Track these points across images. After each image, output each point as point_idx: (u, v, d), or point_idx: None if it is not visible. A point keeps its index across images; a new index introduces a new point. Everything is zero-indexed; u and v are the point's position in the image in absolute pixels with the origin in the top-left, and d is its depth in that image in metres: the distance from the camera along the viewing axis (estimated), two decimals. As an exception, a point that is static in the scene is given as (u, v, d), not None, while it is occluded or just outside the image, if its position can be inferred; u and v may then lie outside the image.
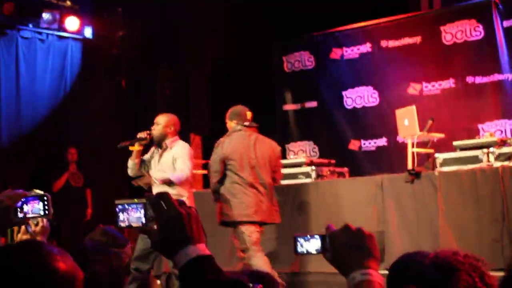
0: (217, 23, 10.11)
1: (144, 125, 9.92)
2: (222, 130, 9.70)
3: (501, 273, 1.97)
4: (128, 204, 1.78)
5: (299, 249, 1.96)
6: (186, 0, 10.13)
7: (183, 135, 10.00)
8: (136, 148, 6.23)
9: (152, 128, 6.28)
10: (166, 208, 1.70)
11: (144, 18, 10.11)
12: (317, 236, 1.93)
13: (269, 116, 10.43)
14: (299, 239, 1.96)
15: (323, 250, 1.92)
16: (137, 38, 10.27)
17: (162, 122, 6.30)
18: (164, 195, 1.74)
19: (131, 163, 6.31)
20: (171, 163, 6.16)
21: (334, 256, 1.89)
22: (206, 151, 9.32)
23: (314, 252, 1.94)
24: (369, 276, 1.81)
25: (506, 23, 8.95)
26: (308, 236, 1.95)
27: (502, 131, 8.78)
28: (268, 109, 10.45)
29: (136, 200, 1.78)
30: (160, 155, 6.25)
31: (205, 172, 8.43)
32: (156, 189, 6.07)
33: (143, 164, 6.34)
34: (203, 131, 10.57)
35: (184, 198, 5.73)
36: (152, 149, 6.36)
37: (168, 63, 10.49)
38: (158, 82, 10.61)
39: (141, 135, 6.24)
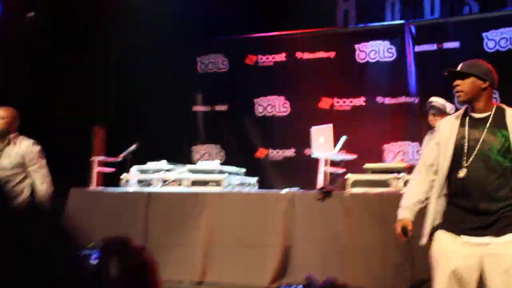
0: (128, 16, 9.92)
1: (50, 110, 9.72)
2: (127, 123, 9.62)
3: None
4: None
5: None
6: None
7: (87, 127, 9.83)
8: None
9: None
10: None
11: (54, 2, 9.80)
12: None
13: (178, 116, 10.37)
14: None
15: None
16: (45, 22, 9.93)
17: (5, 116, 6.15)
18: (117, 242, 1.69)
19: None
20: (16, 160, 6.09)
21: None
22: (110, 144, 9.15)
23: None
24: None
25: (417, 48, 9.23)
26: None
27: (404, 153, 9.06)
28: (178, 109, 10.37)
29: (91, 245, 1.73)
30: (1, 150, 6.13)
31: (109, 170, 8.29)
32: None
33: None
34: (107, 124, 10.35)
35: None
36: None
37: (75, 51, 10.20)
38: (63, 69, 10.30)
39: None
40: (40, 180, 6.18)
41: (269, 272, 6.74)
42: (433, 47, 9.19)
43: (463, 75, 4.22)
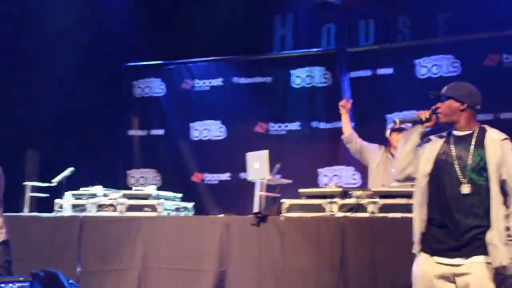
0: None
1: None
2: (62, 148, 9.49)
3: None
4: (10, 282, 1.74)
5: None
6: (38, 8, 9.76)
7: (21, 152, 9.66)
8: None
9: None
10: None
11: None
12: None
13: (114, 141, 10.28)
14: None
15: None
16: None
17: None
18: (53, 276, 1.70)
19: None
20: None
21: None
22: (44, 169, 9.02)
23: None
24: None
25: (352, 74, 9.39)
26: None
27: (338, 177, 9.16)
28: (114, 133, 10.30)
29: (21, 279, 1.75)
30: None
31: (43, 195, 8.16)
32: None
33: None
34: (42, 147, 10.19)
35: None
36: None
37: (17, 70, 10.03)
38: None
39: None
40: None
41: (206, 297, 6.71)
42: (367, 73, 9.36)
43: (441, 97, 4.51)
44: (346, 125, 7.49)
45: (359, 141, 7.51)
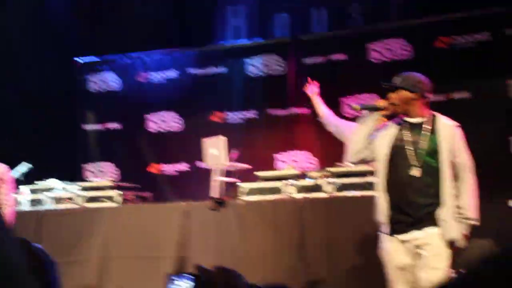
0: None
1: None
2: (18, 144, 9.39)
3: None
4: None
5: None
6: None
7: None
8: None
9: None
10: None
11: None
12: (189, 276, 1.99)
13: (70, 135, 10.21)
14: (173, 277, 2.01)
15: None
16: None
17: None
18: None
19: None
20: None
21: None
22: None
23: None
24: None
25: (307, 61, 9.46)
26: (183, 275, 2.00)
27: (296, 162, 9.23)
28: (70, 128, 10.24)
29: None
30: None
31: None
32: None
33: None
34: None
35: None
36: None
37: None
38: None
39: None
40: None
41: (166, 283, 6.71)
42: (321, 59, 9.43)
43: (393, 88, 4.79)
44: (317, 107, 7.49)
45: (335, 122, 7.49)
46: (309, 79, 7.04)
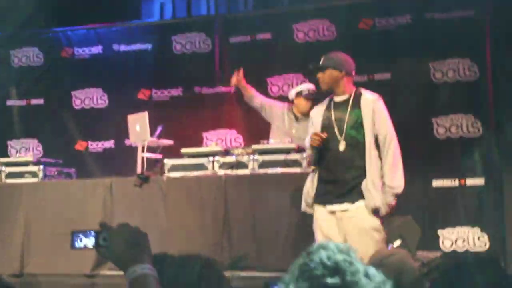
0: None
1: None
2: None
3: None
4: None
5: (77, 244, 2.06)
6: None
7: None
8: None
9: None
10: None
11: None
12: (93, 232, 2.05)
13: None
14: (77, 234, 2.06)
15: (97, 246, 2.04)
16: None
17: None
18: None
19: None
20: None
21: (112, 251, 2.02)
22: None
23: (91, 247, 2.06)
24: (148, 270, 1.97)
25: (232, 39, 9.51)
26: (87, 232, 2.05)
27: (222, 140, 9.31)
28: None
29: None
30: None
31: None
32: None
33: None
34: None
35: None
36: None
37: None
38: None
39: None
40: None
41: (90, 258, 6.71)
42: (246, 38, 9.50)
43: (322, 68, 5.11)
44: (244, 91, 7.57)
45: (259, 100, 7.58)
46: (235, 72, 7.22)
